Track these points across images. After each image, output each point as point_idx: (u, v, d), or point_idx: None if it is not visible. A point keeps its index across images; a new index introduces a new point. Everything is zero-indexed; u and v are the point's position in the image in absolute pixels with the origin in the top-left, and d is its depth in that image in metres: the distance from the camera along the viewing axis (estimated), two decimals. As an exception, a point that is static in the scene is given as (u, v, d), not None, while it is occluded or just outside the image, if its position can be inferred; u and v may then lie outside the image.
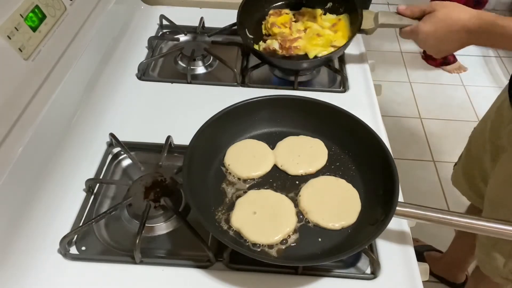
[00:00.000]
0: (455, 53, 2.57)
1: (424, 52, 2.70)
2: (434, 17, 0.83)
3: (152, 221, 0.72)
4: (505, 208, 0.92)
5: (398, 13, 0.92)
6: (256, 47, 1.03)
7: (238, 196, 0.73)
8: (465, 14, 0.79)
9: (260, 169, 0.77)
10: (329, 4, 1.08)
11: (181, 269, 0.67)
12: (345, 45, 0.99)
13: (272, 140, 0.82)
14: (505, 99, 0.94)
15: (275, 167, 0.78)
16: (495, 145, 0.99)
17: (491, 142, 1.01)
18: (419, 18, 0.87)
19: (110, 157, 0.84)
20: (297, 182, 0.76)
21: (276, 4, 1.12)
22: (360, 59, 1.09)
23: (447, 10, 0.82)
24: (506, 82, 0.93)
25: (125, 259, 0.67)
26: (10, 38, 0.70)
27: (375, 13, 0.97)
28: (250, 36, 1.08)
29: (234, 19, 1.15)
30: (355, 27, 0.98)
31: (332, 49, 1.00)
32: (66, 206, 0.74)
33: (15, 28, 0.72)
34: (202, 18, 1.18)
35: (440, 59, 2.57)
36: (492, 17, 0.76)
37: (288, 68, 1.03)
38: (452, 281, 1.59)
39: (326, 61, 1.02)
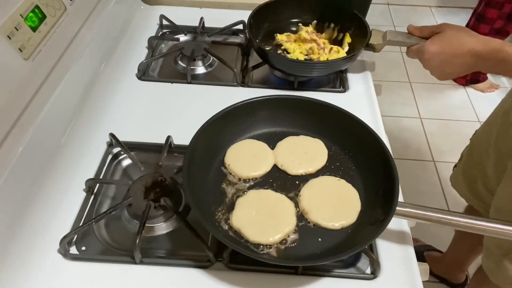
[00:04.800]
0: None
1: None
2: (441, 37, 0.82)
3: (152, 221, 0.72)
4: None
5: (408, 31, 0.92)
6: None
7: (238, 196, 0.73)
8: (472, 38, 0.77)
9: (260, 169, 0.77)
10: (339, 26, 1.10)
11: (181, 269, 0.67)
12: (351, 57, 0.98)
13: (272, 140, 0.82)
14: None
15: (275, 167, 0.78)
16: (500, 151, 0.97)
17: (496, 148, 0.99)
18: (427, 38, 0.85)
19: (110, 157, 0.84)
20: (297, 182, 0.76)
21: (294, 20, 1.13)
22: (360, 59, 1.09)
23: (455, 32, 0.80)
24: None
25: (125, 259, 0.67)
26: (10, 38, 0.70)
27: (384, 32, 0.98)
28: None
29: (234, 19, 1.15)
30: (363, 42, 0.99)
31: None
32: (66, 206, 0.74)
33: (15, 28, 0.72)
34: (202, 18, 1.18)
35: (469, 76, 2.43)
36: (500, 43, 0.74)
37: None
38: (452, 281, 1.59)
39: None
